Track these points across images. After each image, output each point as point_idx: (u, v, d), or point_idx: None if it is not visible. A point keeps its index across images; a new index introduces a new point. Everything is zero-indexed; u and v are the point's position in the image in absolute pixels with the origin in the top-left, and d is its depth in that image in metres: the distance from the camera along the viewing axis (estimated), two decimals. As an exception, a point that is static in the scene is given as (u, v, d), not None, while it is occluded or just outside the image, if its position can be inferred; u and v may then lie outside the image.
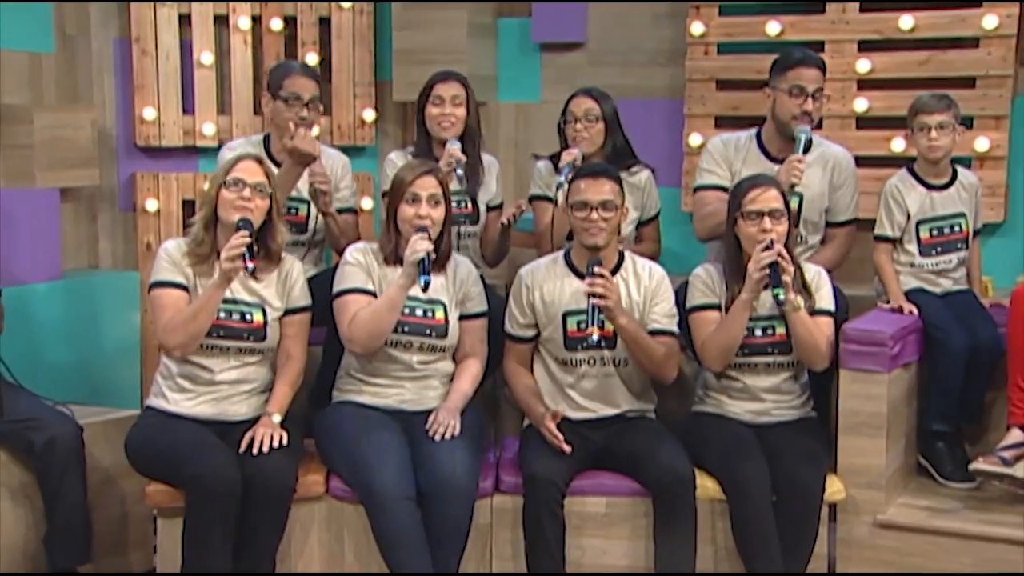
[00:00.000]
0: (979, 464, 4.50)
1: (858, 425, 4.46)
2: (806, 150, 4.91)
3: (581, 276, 4.48)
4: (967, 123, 5.48)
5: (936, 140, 4.85)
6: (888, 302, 4.89)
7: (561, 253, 4.66)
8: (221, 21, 6.36)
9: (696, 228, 5.18)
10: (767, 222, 4.41)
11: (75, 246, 6.16)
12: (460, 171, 4.91)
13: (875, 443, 4.45)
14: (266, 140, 5.13)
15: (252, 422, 4.38)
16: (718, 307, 4.57)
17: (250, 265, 4.19)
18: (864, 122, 5.73)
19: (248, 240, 4.20)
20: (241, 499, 4.19)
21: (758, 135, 5.10)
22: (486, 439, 4.80)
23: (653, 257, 5.28)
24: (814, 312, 4.49)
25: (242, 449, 4.25)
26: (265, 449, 4.24)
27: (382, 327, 4.40)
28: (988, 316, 4.82)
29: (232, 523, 4.19)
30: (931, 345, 4.77)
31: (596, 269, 4.34)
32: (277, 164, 4.99)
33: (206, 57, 6.29)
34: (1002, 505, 4.53)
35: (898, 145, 5.56)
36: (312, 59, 6.35)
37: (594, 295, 4.29)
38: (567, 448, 4.36)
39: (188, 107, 6.33)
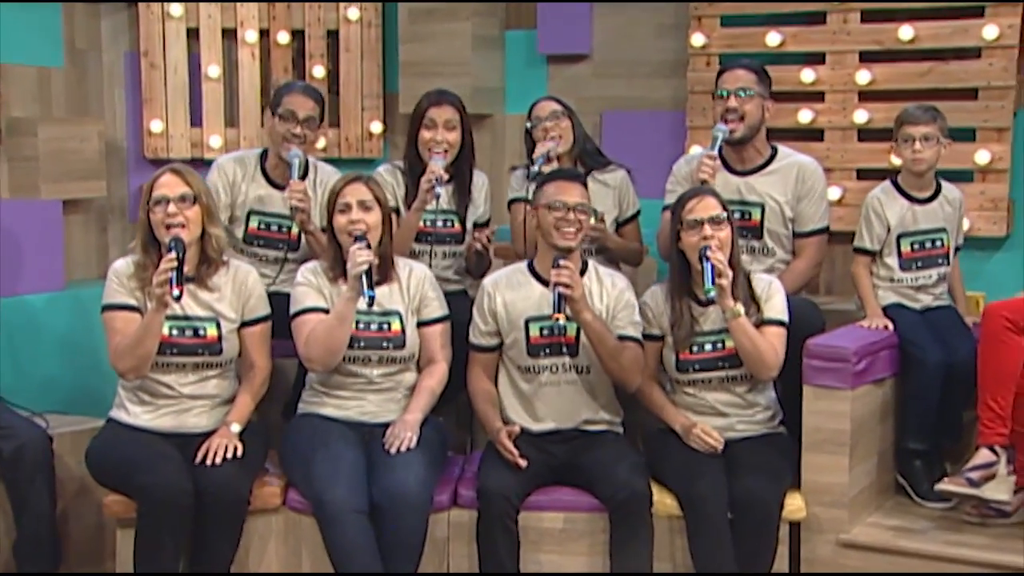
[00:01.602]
0: (945, 484, 4.43)
1: (821, 442, 4.40)
2: (728, 145, 4.98)
3: (544, 283, 4.50)
4: (969, 136, 5.41)
5: (920, 152, 4.77)
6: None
7: (524, 262, 4.66)
8: (229, 35, 6.44)
9: (658, 247, 5.16)
10: (707, 229, 4.38)
11: (85, 257, 6.25)
12: (440, 190, 4.89)
13: (838, 460, 4.38)
14: (263, 156, 5.18)
15: (212, 433, 4.40)
16: (655, 338, 4.60)
17: (175, 292, 4.14)
18: (865, 134, 5.65)
19: (174, 264, 4.15)
20: (195, 510, 4.22)
21: (720, 148, 5.05)
22: (452, 452, 4.81)
23: (637, 259, 5.30)
24: (763, 322, 4.45)
25: (197, 460, 4.28)
26: (218, 460, 4.26)
27: (336, 343, 4.41)
28: (968, 333, 4.73)
29: (183, 533, 4.23)
30: (907, 361, 4.70)
31: (562, 262, 4.35)
32: (271, 182, 5.09)
33: (214, 70, 6.37)
34: (973, 527, 4.46)
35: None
36: (319, 72, 6.42)
37: (560, 284, 4.29)
38: (522, 463, 4.35)
39: (196, 120, 6.41)
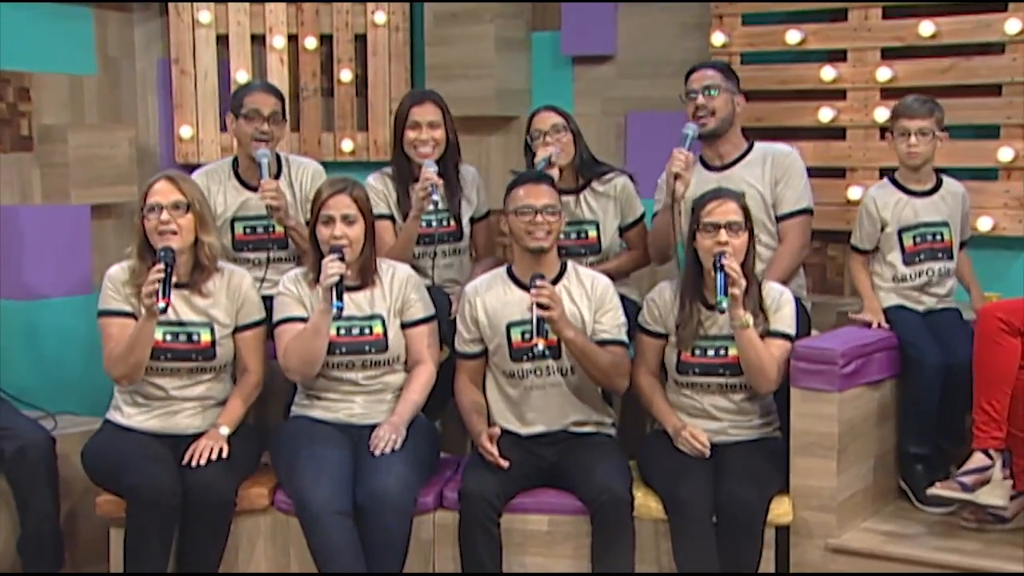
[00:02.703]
0: (937, 489, 4.33)
1: (808, 445, 4.32)
2: (698, 141, 4.99)
3: (523, 287, 4.49)
4: (993, 132, 5.29)
5: (915, 147, 4.69)
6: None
7: (504, 267, 4.64)
8: (258, 40, 6.51)
9: (650, 252, 5.16)
10: (723, 234, 4.32)
11: (117, 261, 6.33)
12: (436, 196, 4.90)
13: (826, 464, 4.30)
14: (235, 163, 5.26)
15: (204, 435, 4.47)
16: (659, 335, 4.55)
17: (161, 304, 4.20)
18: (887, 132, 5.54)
19: (161, 275, 4.21)
20: (182, 510, 4.29)
21: (690, 145, 4.99)
22: (452, 454, 4.82)
23: (643, 265, 5.24)
24: (769, 333, 4.39)
25: (184, 461, 4.35)
26: (203, 462, 4.32)
27: (312, 354, 4.45)
28: (970, 335, 4.60)
29: (171, 533, 4.30)
30: (906, 363, 4.61)
31: (539, 281, 4.32)
32: (246, 185, 5.15)
33: (242, 76, 6.44)
34: (968, 533, 4.36)
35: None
36: (347, 76, 6.48)
37: (539, 306, 4.26)
38: (503, 463, 4.34)
39: (226, 125, 6.45)
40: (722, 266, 4.26)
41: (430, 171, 4.92)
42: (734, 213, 4.37)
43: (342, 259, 4.36)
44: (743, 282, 4.27)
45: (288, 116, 5.30)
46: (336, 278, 4.30)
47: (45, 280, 5.69)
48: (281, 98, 5.21)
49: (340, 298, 4.29)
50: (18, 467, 4.64)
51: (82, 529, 4.94)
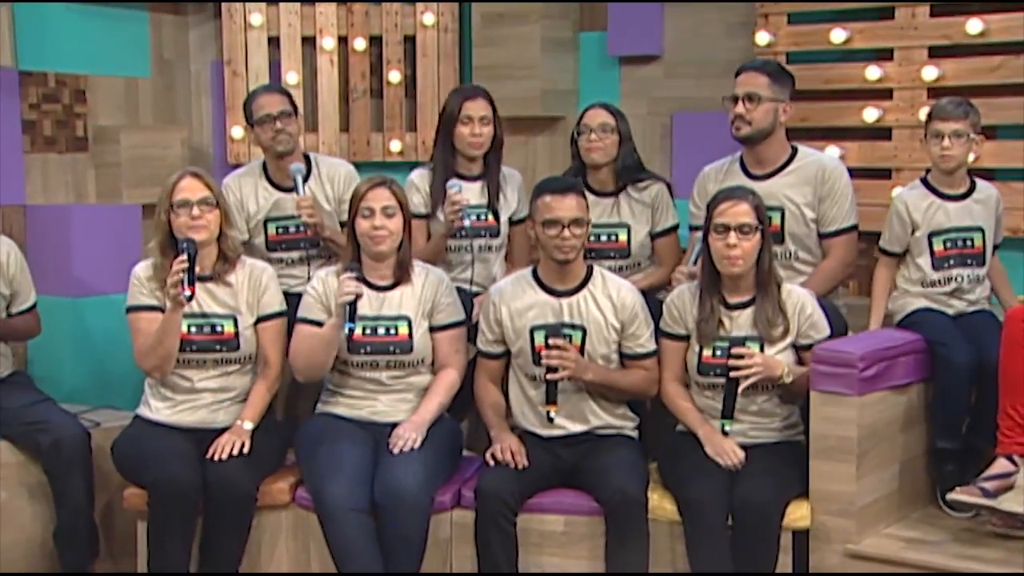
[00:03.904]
0: (958, 495, 4.23)
1: (827, 449, 4.25)
2: (744, 145, 4.94)
3: (548, 291, 4.50)
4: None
5: (949, 149, 4.58)
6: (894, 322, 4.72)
7: (528, 269, 4.63)
8: (308, 42, 6.58)
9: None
10: (732, 236, 4.29)
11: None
12: (467, 222, 4.99)
13: (845, 469, 4.23)
14: (265, 165, 5.33)
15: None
16: (680, 338, 4.52)
17: (186, 292, 4.31)
18: (935, 132, 5.44)
19: (185, 265, 4.30)
20: (204, 505, 4.36)
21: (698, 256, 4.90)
22: (477, 453, 4.82)
23: (669, 281, 5.14)
24: (799, 347, 4.39)
25: (208, 456, 4.41)
26: (224, 456, 4.38)
27: (318, 361, 4.51)
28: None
29: (191, 527, 4.38)
30: (935, 361, 4.52)
31: (551, 341, 4.36)
32: (277, 187, 5.22)
33: (292, 77, 6.52)
34: (992, 540, 4.25)
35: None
36: (395, 77, 6.52)
37: (552, 369, 4.33)
38: (523, 462, 4.35)
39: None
40: (731, 381, 4.31)
41: (462, 196, 4.98)
42: (745, 215, 4.33)
43: (358, 279, 4.39)
44: (752, 373, 4.28)
45: (300, 110, 5.39)
46: (351, 297, 4.34)
47: (96, 278, 5.79)
48: (287, 94, 5.27)
49: (353, 319, 4.33)
50: (54, 460, 4.75)
51: (118, 521, 5.02)
